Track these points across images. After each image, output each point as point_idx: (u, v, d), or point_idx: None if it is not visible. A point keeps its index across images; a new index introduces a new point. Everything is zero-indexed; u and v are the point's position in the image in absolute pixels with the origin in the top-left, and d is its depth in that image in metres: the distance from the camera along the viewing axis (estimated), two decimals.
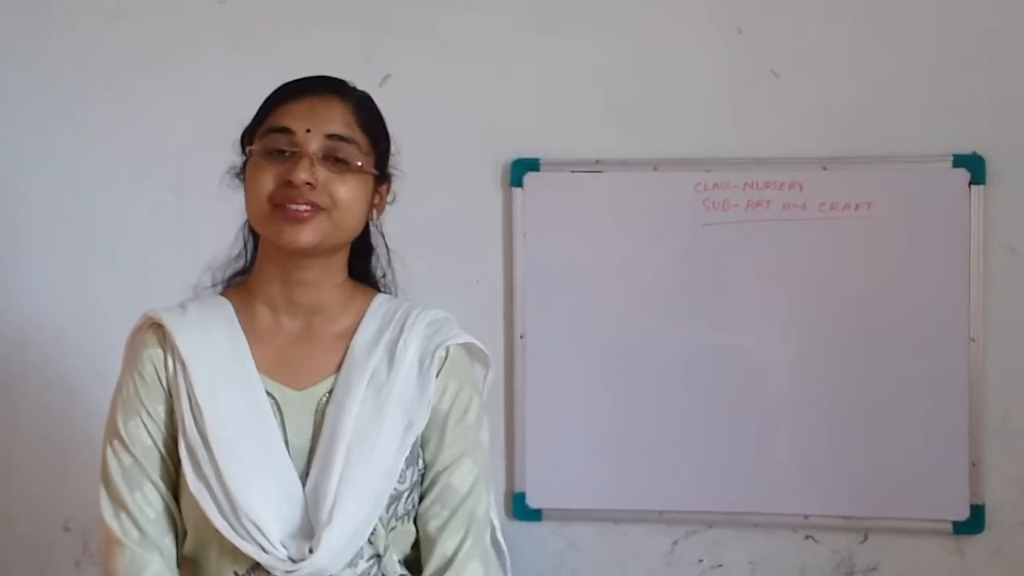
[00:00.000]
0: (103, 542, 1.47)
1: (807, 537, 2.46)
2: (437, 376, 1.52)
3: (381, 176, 1.53)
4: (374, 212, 1.54)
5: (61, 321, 2.58)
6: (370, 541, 1.47)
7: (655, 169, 2.46)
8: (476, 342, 1.59)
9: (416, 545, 1.55)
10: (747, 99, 2.45)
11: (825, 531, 2.45)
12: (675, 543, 2.51)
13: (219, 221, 1.63)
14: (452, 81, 2.52)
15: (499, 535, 1.63)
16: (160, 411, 1.47)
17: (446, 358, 1.53)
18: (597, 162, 2.48)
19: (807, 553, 2.46)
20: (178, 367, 1.46)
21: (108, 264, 2.57)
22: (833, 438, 2.43)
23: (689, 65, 2.47)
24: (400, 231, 2.26)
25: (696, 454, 2.47)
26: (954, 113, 2.38)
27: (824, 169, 2.40)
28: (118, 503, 1.45)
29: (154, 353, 1.48)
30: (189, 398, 1.45)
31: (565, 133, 2.50)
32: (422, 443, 1.52)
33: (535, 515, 2.52)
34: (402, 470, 1.48)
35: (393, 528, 1.50)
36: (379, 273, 1.63)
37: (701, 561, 2.50)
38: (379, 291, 1.61)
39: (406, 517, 1.52)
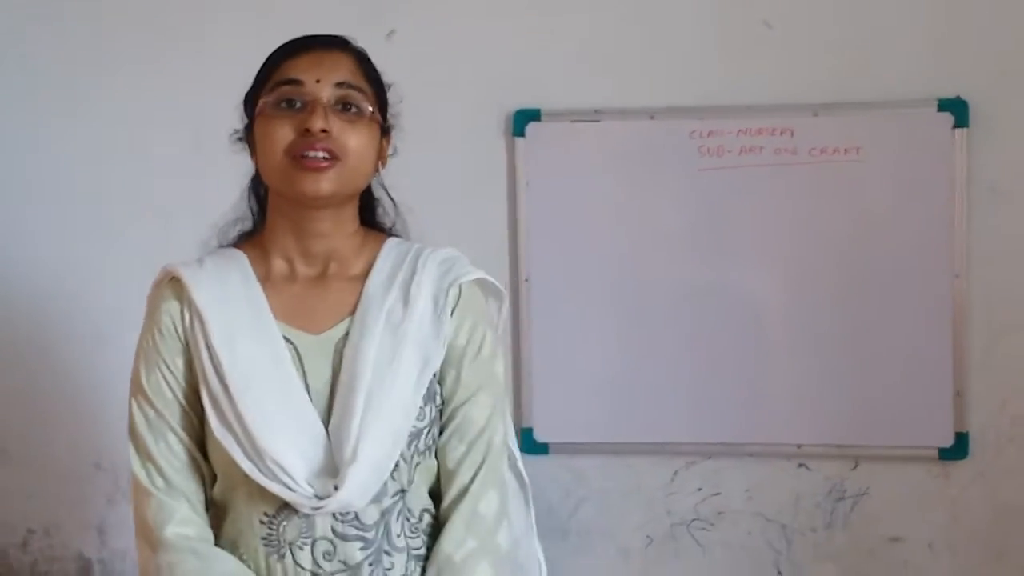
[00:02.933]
0: (133, 492, 1.49)
1: (800, 465, 2.51)
2: (452, 313, 1.51)
3: (384, 127, 1.54)
4: (378, 163, 1.54)
5: (89, 274, 2.62)
6: (393, 477, 1.47)
7: (651, 118, 2.47)
8: (488, 277, 1.59)
9: (440, 478, 1.56)
10: (739, 48, 2.47)
11: (817, 459, 2.49)
12: (675, 473, 2.56)
13: (236, 177, 1.64)
14: (455, 35, 2.53)
15: (520, 465, 1.66)
16: (179, 363, 1.48)
17: (460, 295, 1.53)
18: (596, 112, 2.49)
19: (800, 480, 2.51)
20: (195, 319, 1.47)
21: (134, 218, 2.60)
22: (824, 371, 2.46)
23: (683, 16, 2.47)
24: (408, 181, 2.27)
25: (694, 388, 2.50)
26: (939, 59, 2.40)
27: (814, 115, 2.41)
28: (144, 454, 1.47)
29: (171, 306, 1.49)
30: (207, 348, 1.46)
31: (565, 84, 2.51)
32: (439, 379, 1.52)
33: (542, 449, 2.56)
34: (420, 407, 1.49)
35: (417, 464, 1.51)
36: (387, 223, 1.63)
37: (700, 489, 2.55)
38: (388, 235, 1.61)
39: (427, 452, 1.52)
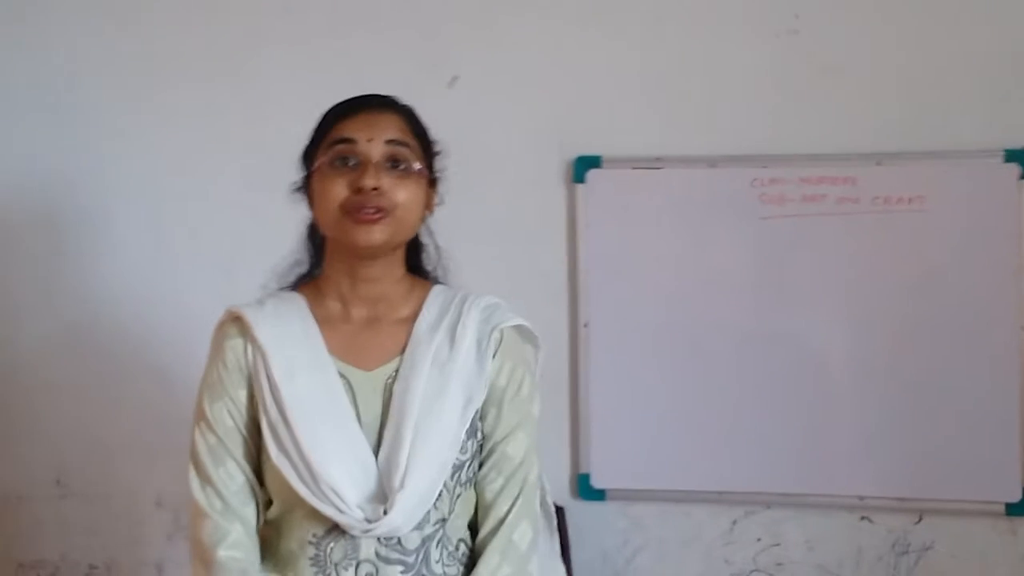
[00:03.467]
0: (191, 514, 1.57)
1: (863, 518, 2.47)
2: (494, 356, 1.61)
3: (431, 179, 1.63)
4: (425, 212, 1.63)
5: (155, 316, 2.65)
6: (436, 506, 1.54)
7: (713, 166, 2.49)
8: (527, 324, 1.67)
9: (477, 510, 1.63)
10: (801, 96, 2.48)
11: (880, 512, 2.46)
12: (735, 522, 2.54)
13: (287, 218, 1.70)
14: (516, 82, 2.58)
15: (549, 499, 1.73)
16: (241, 396, 1.57)
17: (501, 339, 1.62)
18: (657, 159, 2.51)
19: (862, 533, 2.47)
20: (257, 355, 1.56)
21: (197, 261, 2.66)
22: (887, 422, 2.43)
23: (744, 64, 2.49)
24: (471, 225, 2.35)
25: (754, 437, 2.49)
26: (1005, 108, 2.39)
27: (878, 164, 2.41)
28: (204, 478, 1.55)
29: (235, 343, 1.58)
30: (268, 381, 1.54)
31: (626, 131, 2.53)
32: (481, 416, 1.60)
33: (599, 495, 2.55)
34: (463, 441, 1.57)
35: (459, 495, 1.58)
36: (430, 267, 1.72)
37: (759, 540, 2.52)
38: (434, 283, 1.70)
39: (468, 483, 1.60)
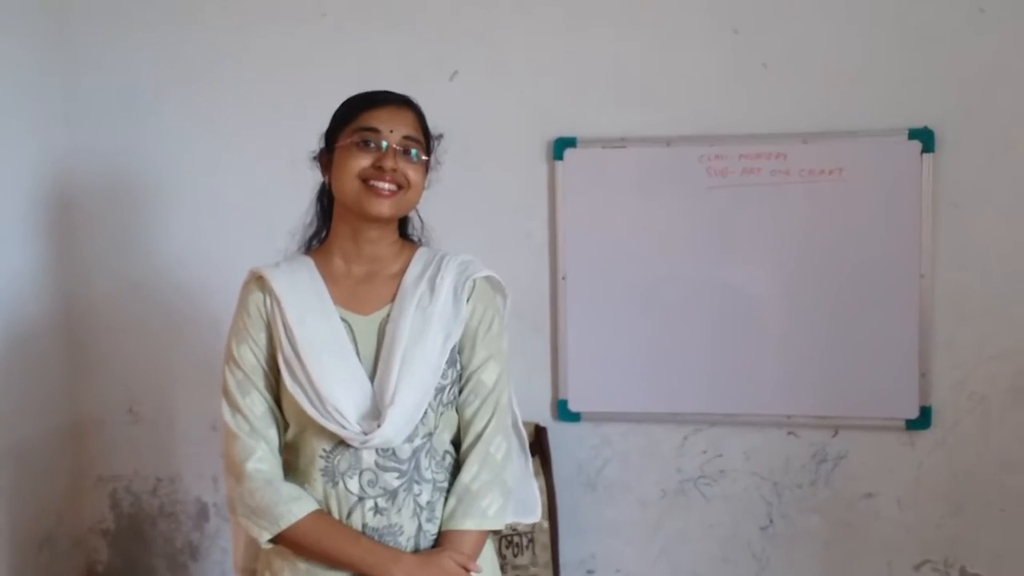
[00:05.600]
0: (224, 437, 1.68)
1: (789, 433, 2.67)
2: (468, 300, 1.71)
3: (428, 167, 1.73)
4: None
5: (210, 272, 2.83)
6: (423, 422, 1.65)
7: (668, 144, 2.62)
8: (495, 275, 1.77)
9: (459, 429, 1.74)
10: (741, 85, 2.61)
11: (804, 428, 2.66)
12: (685, 438, 2.73)
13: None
14: (506, 76, 2.71)
15: (520, 424, 1.83)
16: (262, 338, 1.67)
17: (474, 287, 1.73)
18: (622, 139, 2.65)
19: (790, 445, 2.68)
20: (274, 305, 1.66)
21: (245, 226, 2.81)
22: (811, 354, 2.60)
23: (694, 59, 2.63)
24: (469, 195, 2.60)
25: (702, 368, 2.65)
26: (909, 94, 2.54)
27: (804, 142, 2.56)
28: (234, 407, 1.66)
29: (256, 297, 1.69)
30: (284, 326, 1.65)
31: (597, 117, 2.68)
32: (459, 351, 1.71)
33: (575, 417, 2.74)
34: (444, 368, 1.67)
35: (442, 413, 1.68)
36: (415, 235, 1.83)
37: (705, 452, 2.72)
38: (419, 245, 1.80)
39: (450, 405, 1.70)
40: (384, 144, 1.66)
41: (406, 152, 1.68)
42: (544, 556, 2.61)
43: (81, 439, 2.99)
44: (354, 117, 1.69)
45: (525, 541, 2.60)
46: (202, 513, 2.98)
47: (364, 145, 1.67)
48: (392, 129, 1.67)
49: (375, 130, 1.67)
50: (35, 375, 2.82)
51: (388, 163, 1.65)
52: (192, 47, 2.86)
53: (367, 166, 1.65)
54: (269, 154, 2.79)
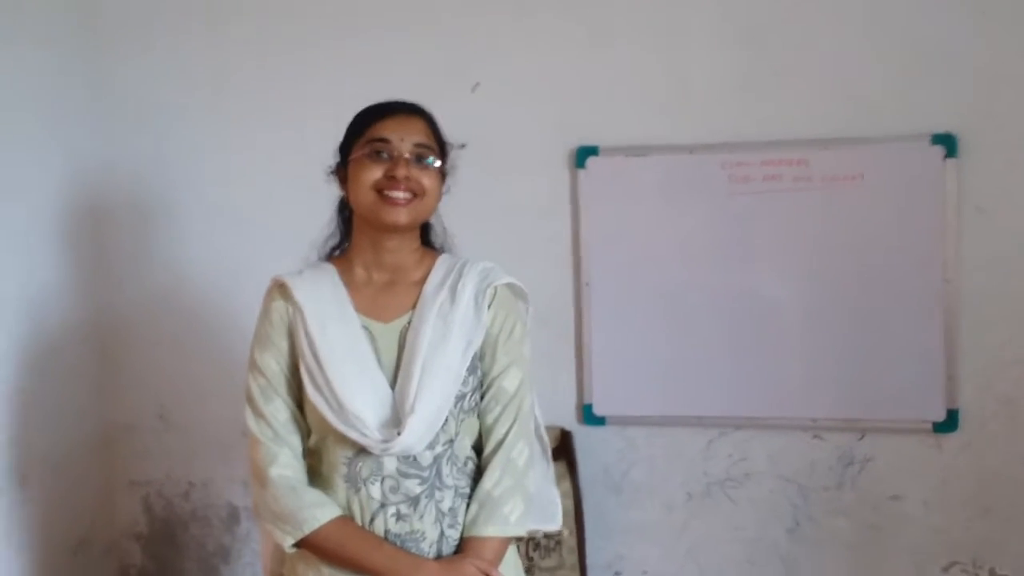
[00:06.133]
0: (249, 444, 1.69)
1: (815, 436, 2.66)
2: (489, 307, 1.71)
3: (444, 172, 1.75)
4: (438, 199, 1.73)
5: (234, 283, 2.84)
6: (443, 429, 1.65)
7: (690, 152, 2.63)
8: (517, 282, 1.78)
9: (480, 435, 1.74)
10: (762, 93, 2.61)
11: (829, 431, 2.64)
12: (710, 441, 2.73)
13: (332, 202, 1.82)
14: (528, 86, 2.72)
15: (542, 431, 1.84)
16: (284, 345, 1.69)
17: (495, 294, 1.73)
18: (644, 148, 2.66)
19: (815, 449, 2.66)
20: (296, 313, 1.67)
21: (267, 237, 2.82)
22: (836, 358, 2.59)
23: (715, 68, 2.63)
24: (493, 204, 2.62)
25: (726, 372, 2.65)
26: (932, 99, 2.52)
27: (825, 148, 2.56)
28: (257, 413, 1.67)
29: (279, 305, 1.70)
30: (305, 333, 1.66)
31: (619, 125, 2.68)
32: (480, 357, 1.70)
33: (600, 421, 2.74)
34: (465, 376, 1.67)
35: (462, 420, 1.69)
36: (437, 242, 1.83)
37: (731, 455, 2.72)
38: (440, 253, 1.80)
39: (471, 411, 1.70)
40: (396, 153, 1.68)
41: (419, 159, 1.69)
42: (571, 558, 2.64)
43: (113, 445, 3.02)
44: (365, 129, 1.71)
45: (552, 543, 2.62)
46: (233, 516, 3.01)
47: (376, 156, 1.68)
48: (403, 138, 1.69)
49: (386, 140, 1.69)
50: (67, 384, 2.85)
51: (400, 171, 1.66)
52: (216, 60, 2.89)
53: (380, 176, 1.67)
54: (293, 164, 2.77)
